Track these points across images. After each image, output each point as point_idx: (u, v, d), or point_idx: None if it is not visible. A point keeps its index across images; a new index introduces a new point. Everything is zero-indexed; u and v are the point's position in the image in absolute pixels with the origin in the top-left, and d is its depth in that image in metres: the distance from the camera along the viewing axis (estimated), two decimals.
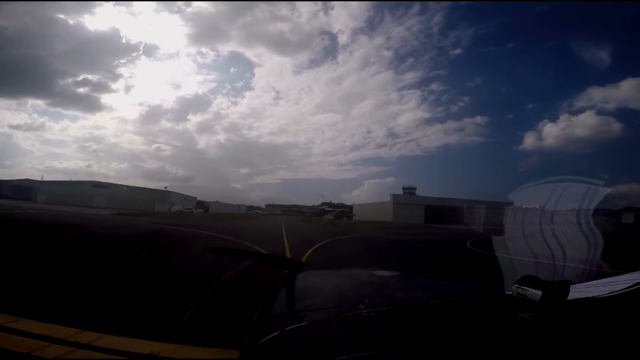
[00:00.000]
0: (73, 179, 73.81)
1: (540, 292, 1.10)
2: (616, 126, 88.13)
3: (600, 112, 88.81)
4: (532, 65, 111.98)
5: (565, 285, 1.10)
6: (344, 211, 74.83)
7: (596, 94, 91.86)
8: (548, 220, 2.05)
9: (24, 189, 63.11)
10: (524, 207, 2.29)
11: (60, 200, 51.38)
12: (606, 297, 1.04)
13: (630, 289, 1.03)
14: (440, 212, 54.60)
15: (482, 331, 1.01)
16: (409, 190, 72.43)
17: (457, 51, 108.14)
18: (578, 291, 1.12)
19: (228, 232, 16.94)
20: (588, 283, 1.30)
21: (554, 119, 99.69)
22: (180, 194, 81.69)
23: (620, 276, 1.21)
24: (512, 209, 2.43)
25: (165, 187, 78.48)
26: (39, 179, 72.32)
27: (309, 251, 10.58)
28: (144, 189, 72.97)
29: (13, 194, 58.61)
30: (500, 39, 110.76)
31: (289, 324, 1.03)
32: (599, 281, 1.30)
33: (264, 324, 1.14)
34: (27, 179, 70.41)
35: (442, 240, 18.33)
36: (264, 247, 10.64)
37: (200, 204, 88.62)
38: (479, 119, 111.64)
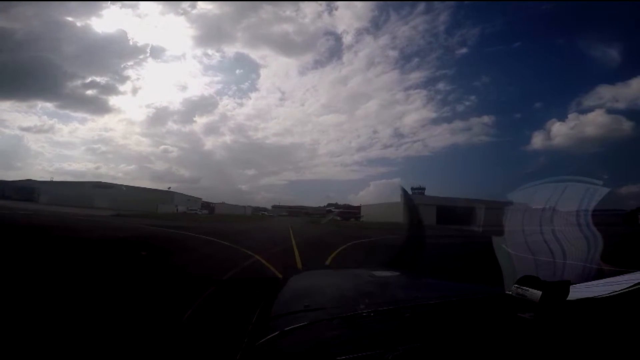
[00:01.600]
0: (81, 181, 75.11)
1: (540, 292, 1.12)
2: (627, 125, 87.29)
3: (610, 111, 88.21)
4: (540, 63, 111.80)
5: (565, 286, 1.12)
6: (351, 212, 74.77)
7: (606, 92, 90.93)
8: (568, 220, 2.06)
9: (26, 189, 64.19)
10: (536, 207, 2.29)
11: (62, 201, 52.06)
12: (606, 297, 1.06)
13: (630, 289, 1.05)
14: (452, 213, 54.01)
15: (482, 331, 1.04)
16: (418, 191, 71.98)
17: (464, 50, 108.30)
18: (578, 291, 1.14)
19: (228, 236, 15.47)
20: (588, 283, 1.32)
21: (562, 118, 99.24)
22: (184, 194, 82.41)
23: (620, 276, 1.23)
24: (529, 210, 2.43)
25: (169, 188, 79.07)
26: (48, 179, 74.32)
27: (327, 261, 9.14)
28: (147, 189, 73.70)
29: (15, 194, 59.67)
30: (507, 38, 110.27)
31: (289, 324, 1.07)
32: (599, 281, 1.32)
33: (264, 324, 1.18)
34: (29, 180, 71.77)
35: (480, 244, 16.38)
36: (267, 254, 9.23)
37: (206, 205, 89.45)
38: (486, 119, 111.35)
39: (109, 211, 38.53)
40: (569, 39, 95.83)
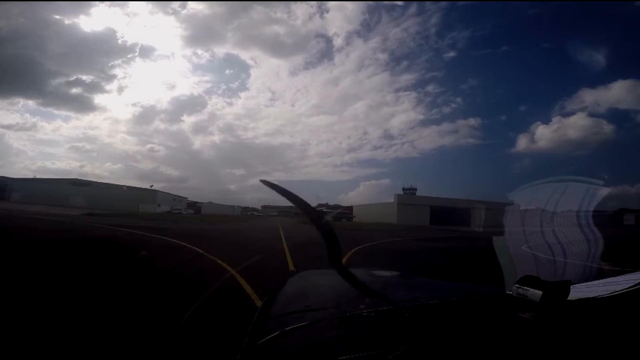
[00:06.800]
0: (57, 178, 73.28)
1: (540, 292, 1.16)
2: (607, 128, 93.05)
3: (591, 114, 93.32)
4: (525, 67, 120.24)
5: (566, 285, 1.15)
6: (343, 212, 75.02)
7: (587, 96, 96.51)
8: (562, 221, 2.13)
9: None
10: (529, 208, 2.37)
11: (36, 200, 50.92)
12: (607, 297, 1.10)
13: (630, 289, 1.09)
14: (446, 214, 54.67)
15: (482, 331, 1.07)
16: (410, 191, 72.81)
17: (453, 53, 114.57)
18: (578, 291, 1.18)
19: (206, 240, 14.23)
20: (588, 283, 1.36)
21: (546, 121, 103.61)
22: (168, 193, 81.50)
23: (620, 276, 1.28)
24: (519, 210, 2.51)
25: (151, 186, 78.02)
26: (27, 177, 72.47)
27: None
28: (129, 187, 72.68)
29: None
30: (494, 42, 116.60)
31: (289, 324, 1.08)
32: (600, 281, 1.36)
33: (264, 324, 1.19)
34: (1, 177, 69.74)
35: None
36: (248, 267, 7.65)
37: (192, 204, 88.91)
38: (472, 121, 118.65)
39: (83, 210, 37.41)
40: (553, 43, 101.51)
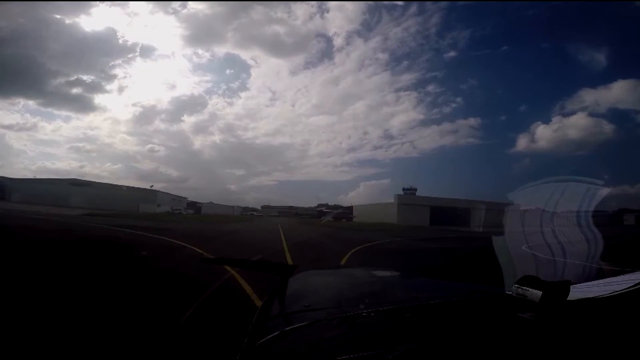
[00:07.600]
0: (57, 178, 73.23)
1: (540, 292, 1.16)
2: (608, 128, 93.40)
3: (591, 114, 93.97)
4: (525, 67, 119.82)
5: (566, 286, 1.15)
6: (344, 212, 75.09)
7: (588, 96, 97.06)
8: (562, 221, 2.13)
9: None
10: (529, 208, 2.37)
11: (34, 199, 50.82)
12: (606, 297, 1.10)
13: (630, 289, 1.09)
14: (446, 214, 54.68)
15: (482, 331, 1.07)
16: (410, 191, 72.85)
17: (452, 53, 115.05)
18: (578, 291, 1.18)
19: (206, 240, 14.48)
20: (588, 283, 1.36)
21: (546, 121, 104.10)
22: (168, 193, 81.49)
23: (620, 276, 1.28)
24: (519, 210, 2.52)
25: (151, 186, 77.97)
26: (27, 178, 72.55)
27: None
28: (129, 188, 72.61)
29: None
30: (494, 42, 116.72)
31: (289, 324, 1.09)
32: (600, 281, 1.36)
33: (264, 324, 1.19)
34: (1, 177, 69.75)
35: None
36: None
37: (192, 205, 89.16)
38: (473, 121, 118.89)
39: (83, 210, 37.29)
40: (553, 43, 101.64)
